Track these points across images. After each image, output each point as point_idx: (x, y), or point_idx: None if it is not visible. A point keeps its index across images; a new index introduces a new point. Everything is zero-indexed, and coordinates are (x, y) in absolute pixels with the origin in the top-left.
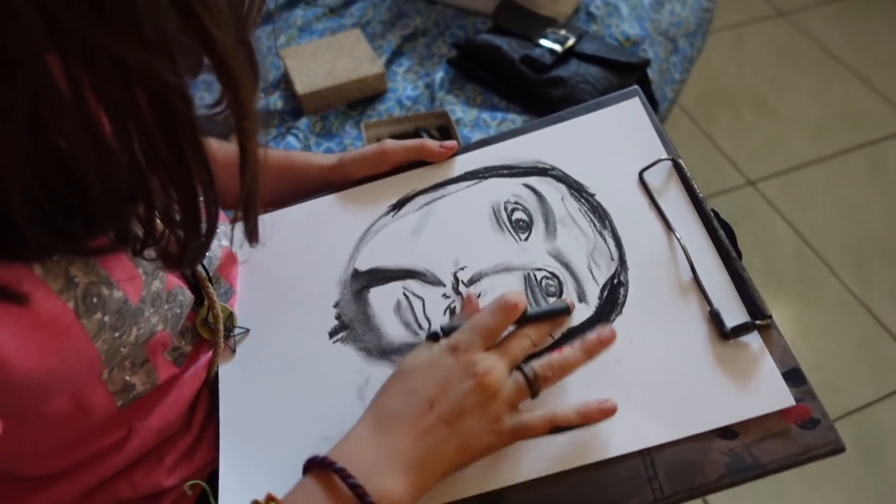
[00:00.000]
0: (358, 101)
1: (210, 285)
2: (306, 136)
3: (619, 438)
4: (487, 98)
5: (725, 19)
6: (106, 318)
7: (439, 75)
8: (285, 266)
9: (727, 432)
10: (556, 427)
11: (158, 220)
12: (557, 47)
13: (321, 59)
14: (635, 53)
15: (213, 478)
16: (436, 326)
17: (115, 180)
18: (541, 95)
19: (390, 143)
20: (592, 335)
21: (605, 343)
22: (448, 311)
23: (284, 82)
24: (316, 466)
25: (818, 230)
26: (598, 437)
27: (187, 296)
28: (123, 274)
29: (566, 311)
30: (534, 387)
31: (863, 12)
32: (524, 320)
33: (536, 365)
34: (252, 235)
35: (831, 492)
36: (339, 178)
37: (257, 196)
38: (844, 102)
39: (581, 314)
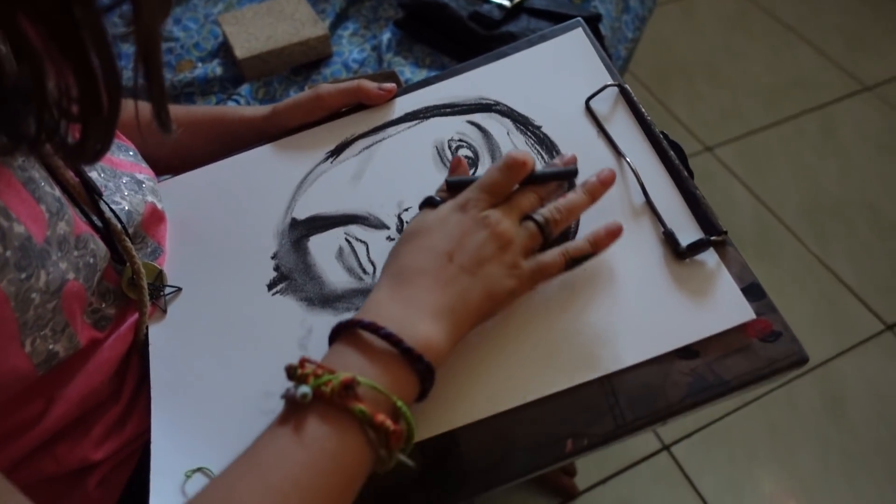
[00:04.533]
0: (302, 65)
1: (127, 239)
2: (248, 102)
3: (576, 368)
4: (437, 59)
5: None
6: (8, 254)
7: (386, 37)
8: (219, 221)
9: (688, 352)
10: (573, 260)
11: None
12: (506, 2)
13: (261, 23)
14: (586, 8)
15: (146, 451)
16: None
17: (3, 72)
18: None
19: (325, 87)
20: (593, 178)
21: (606, 183)
22: None
23: (223, 50)
24: (342, 332)
25: (775, 193)
26: (554, 367)
27: (100, 246)
28: (23, 209)
29: (573, 173)
30: (545, 230)
31: None
32: (530, 180)
33: (545, 210)
34: (164, 123)
35: (799, 447)
36: (273, 129)
37: (162, 77)
38: (795, 68)
39: None
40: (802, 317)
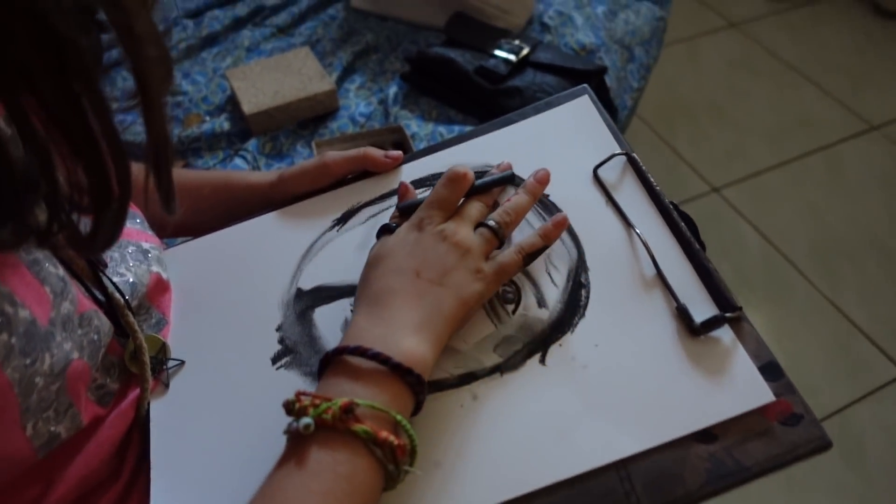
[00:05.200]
0: (309, 120)
1: (130, 313)
2: (255, 157)
3: (589, 452)
4: (443, 112)
5: (679, 32)
6: (13, 340)
7: (392, 90)
8: (223, 291)
9: (706, 436)
10: (528, 255)
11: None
12: (512, 57)
13: (269, 78)
14: (591, 61)
15: None
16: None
17: (11, 164)
18: (497, 106)
19: (332, 155)
20: (530, 178)
21: (542, 182)
22: None
23: (231, 104)
24: (330, 363)
25: (783, 233)
26: (566, 452)
27: (104, 321)
28: (28, 292)
29: (511, 176)
30: (499, 233)
31: (811, 20)
32: (474, 190)
33: (494, 215)
34: (167, 201)
35: (816, 496)
36: (279, 196)
37: (169, 153)
38: (799, 108)
39: (542, 320)
40: (816, 361)
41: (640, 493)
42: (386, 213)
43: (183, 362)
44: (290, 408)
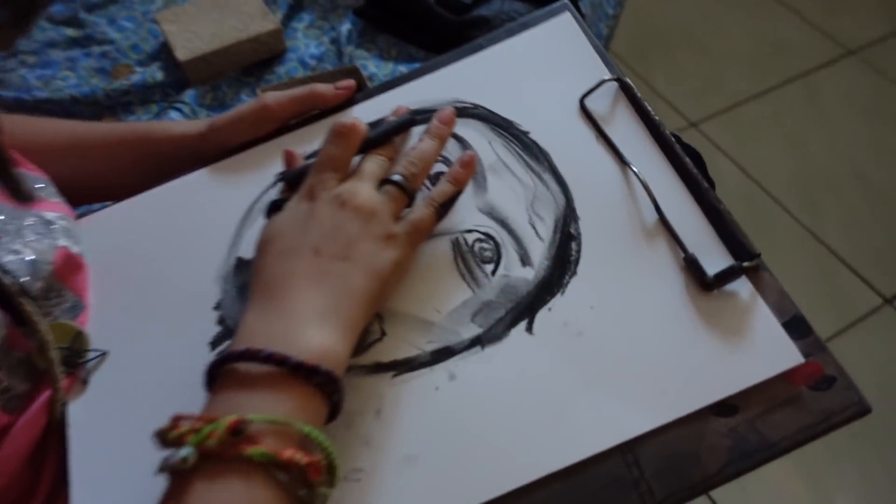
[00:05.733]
0: (253, 65)
1: (26, 299)
2: (194, 109)
3: (589, 434)
4: (403, 49)
5: None
6: None
7: (346, 28)
8: (150, 265)
9: (724, 408)
10: (441, 206)
11: None
12: None
13: (205, 19)
14: None
15: None
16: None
17: None
18: (463, 40)
19: (273, 96)
20: (433, 121)
21: (445, 122)
22: None
23: (164, 51)
24: (216, 371)
25: (763, 166)
26: (563, 436)
27: None
28: None
29: (410, 122)
30: (407, 187)
31: None
32: (369, 144)
33: (398, 167)
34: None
35: None
36: (212, 148)
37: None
38: (775, 35)
39: (527, 280)
40: (800, 294)
41: (650, 480)
42: None
43: (105, 353)
44: (164, 437)
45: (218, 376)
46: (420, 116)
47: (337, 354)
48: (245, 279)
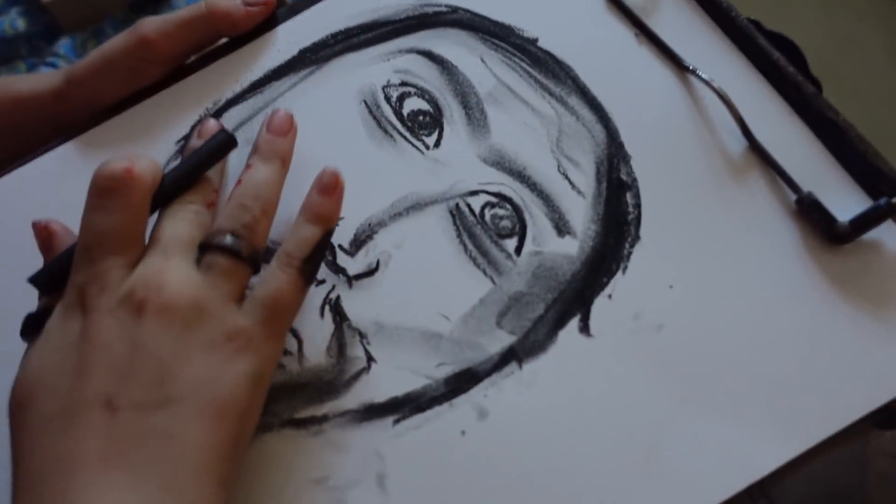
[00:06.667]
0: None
1: None
2: (71, 62)
3: (696, 477)
4: None
5: None
6: None
7: None
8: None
9: (892, 415)
10: (306, 263)
11: None
12: None
13: None
14: None
15: None
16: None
17: None
18: None
19: (152, 24)
20: (262, 131)
21: (280, 130)
22: (327, 306)
23: None
24: None
25: None
26: (658, 482)
27: None
28: None
29: (227, 141)
30: (245, 249)
31: None
32: (166, 192)
33: (223, 220)
34: None
35: None
36: (75, 110)
37: None
38: None
39: (570, 256)
40: None
41: None
42: (262, 114)
43: None
44: None
45: None
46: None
47: None
48: None
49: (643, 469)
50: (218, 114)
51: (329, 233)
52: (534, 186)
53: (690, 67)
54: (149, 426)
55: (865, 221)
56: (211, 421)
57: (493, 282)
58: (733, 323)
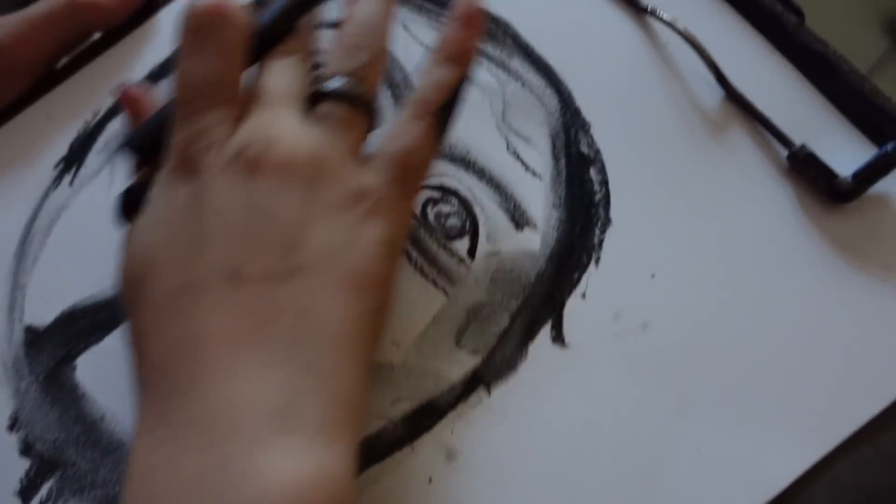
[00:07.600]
0: None
1: None
2: None
3: (705, 495)
4: None
5: None
6: None
7: None
8: None
9: None
10: (442, 111)
11: None
12: None
13: None
14: None
15: None
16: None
17: None
18: None
19: (2, 26)
20: None
21: None
22: None
23: None
24: None
25: None
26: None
27: None
28: None
29: None
30: (361, 97)
31: None
32: (263, 41)
33: (333, 63)
34: None
35: None
36: None
37: None
38: None
39: (531, 253)
40: None
41: None
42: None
43: None
44: None
45: None
46: None
47: (336, 479)
48: (49, 361)
49: (642, 499)
50: (100, 126)
51: (465, 77)
52: (481, 173)
53: (648, 8)
54: (281, 300)
55: (871, 173)
56: (351, 292)
57: (447, 294)
58: (728, 311)
